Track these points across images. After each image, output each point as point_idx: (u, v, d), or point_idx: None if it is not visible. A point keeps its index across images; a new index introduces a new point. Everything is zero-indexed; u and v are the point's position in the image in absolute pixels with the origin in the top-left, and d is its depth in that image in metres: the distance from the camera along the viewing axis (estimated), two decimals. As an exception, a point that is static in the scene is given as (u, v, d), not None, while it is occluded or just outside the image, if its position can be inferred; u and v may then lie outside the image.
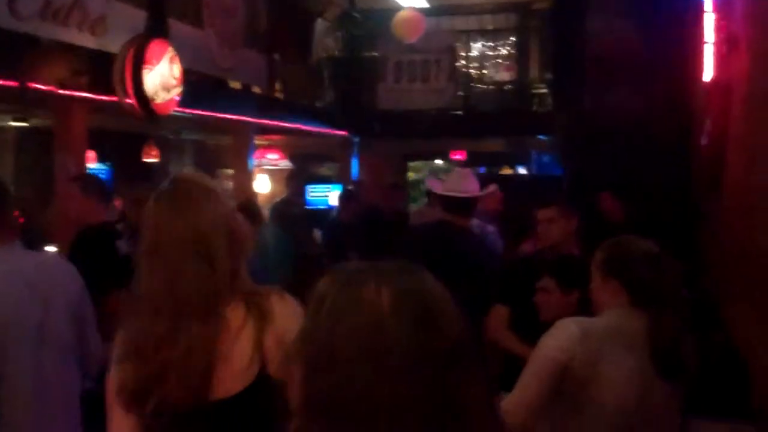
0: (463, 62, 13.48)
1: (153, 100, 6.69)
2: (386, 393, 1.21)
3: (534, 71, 14.45)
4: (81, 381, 3.07)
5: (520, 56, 14.93)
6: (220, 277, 2.01)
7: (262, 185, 13.52)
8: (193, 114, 8.36)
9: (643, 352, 2.51)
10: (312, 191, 15.35)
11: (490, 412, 1.33)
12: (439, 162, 18.47)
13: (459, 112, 12.97)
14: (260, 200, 12.13)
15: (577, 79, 8.90)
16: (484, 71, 14.88)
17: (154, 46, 6.75)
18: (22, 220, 6.55)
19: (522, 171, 15.45)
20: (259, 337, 2.00)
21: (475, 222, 5.30)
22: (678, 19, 7.35)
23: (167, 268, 2.00)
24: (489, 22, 14.51)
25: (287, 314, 2.01)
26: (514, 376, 2.65)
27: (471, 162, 15.78)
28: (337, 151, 13.55)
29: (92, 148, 8.79)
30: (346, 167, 13.15)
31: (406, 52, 11.79)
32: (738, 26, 4.60)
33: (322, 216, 10.21)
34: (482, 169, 17.63)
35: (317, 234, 8.59)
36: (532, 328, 3.72)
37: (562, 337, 2.55)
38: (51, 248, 6.64)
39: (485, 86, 14.35)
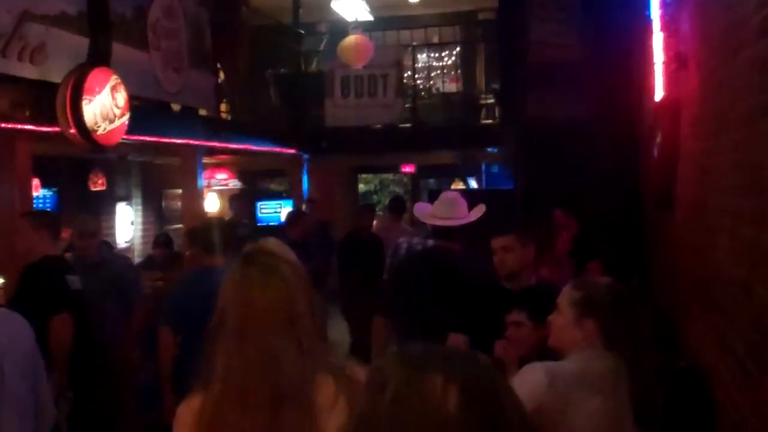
0: (409, 73, 13.48)
1: (94, 131, 6.53)
2: None
3: (480, 82, 14.54)
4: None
5: (466, 67, 15.02)
6: (309, 355, 1.86)
7: (212, 205, 13.39)
8: (139, 140, 8.20)
9: (611, 395, 2.49)
10: (263, 208, 15.22)
11: None
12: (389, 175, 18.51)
13: (407, 125, 12.98)
14: (210, 220, 12.03)
15: (522, 89, 8.96)
16: (432, 82, 14.93)
17: (95, 75, 6.58)
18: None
19: (472, 183, 15.48)
20: None
21: None
22: (624, 32, 7.44)
23: (260, 350, 1.81)
24: (435, 34, 14.56)
25: None
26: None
27: (421, 175, 15.82)
28: (287, 168, 13.46)
29: (37, 174, 8.59)
30: (298, 183, 13.07)
31: (352, 68, 11.71)
32: (687, 45, 4.64)
33: (273, 232, 10.09)
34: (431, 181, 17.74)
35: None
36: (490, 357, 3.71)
37: (529, 384, 2.50)
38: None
39: (432, 99, 14.38)
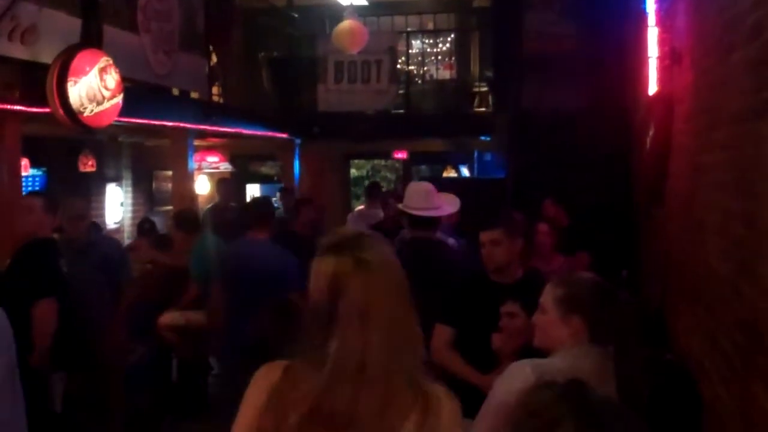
0: (403, 59, 13.43)
1: (80, 113, 6.48)
2: None
3: (474, 70, 14.50)
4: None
5: (460, 55, 14.97)
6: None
7: (203, 187, 13.34)
8: (129, 122, 8.15)
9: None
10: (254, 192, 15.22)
11: None
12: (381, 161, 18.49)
13: (400, 111, 12.94)
14: (201, 201, 12.00)
15: (516, 79, 8.95)
16: (425, 68, 14.88)
17: (83, 56, 6.50)
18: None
19: (464, 171, 15.48)
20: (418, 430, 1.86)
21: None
22: (619, 25, 7.43)
23: (380, 333, 1.85)
24: (429, 20, 14.50)
25: (454, 421, 1.92)
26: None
27: (413, 162, 15.80)
28: (279, 152, 13.40)
29: (26, 154, 8.54)
30: (289, 168, 13.01)
31: (346, 53, 11.64)
32: (681, 41, 4.64)
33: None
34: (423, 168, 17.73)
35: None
36: (479, 350, 3.71)
37: (517, 382, 2.48)
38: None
39: (425, 85, 14.34)
